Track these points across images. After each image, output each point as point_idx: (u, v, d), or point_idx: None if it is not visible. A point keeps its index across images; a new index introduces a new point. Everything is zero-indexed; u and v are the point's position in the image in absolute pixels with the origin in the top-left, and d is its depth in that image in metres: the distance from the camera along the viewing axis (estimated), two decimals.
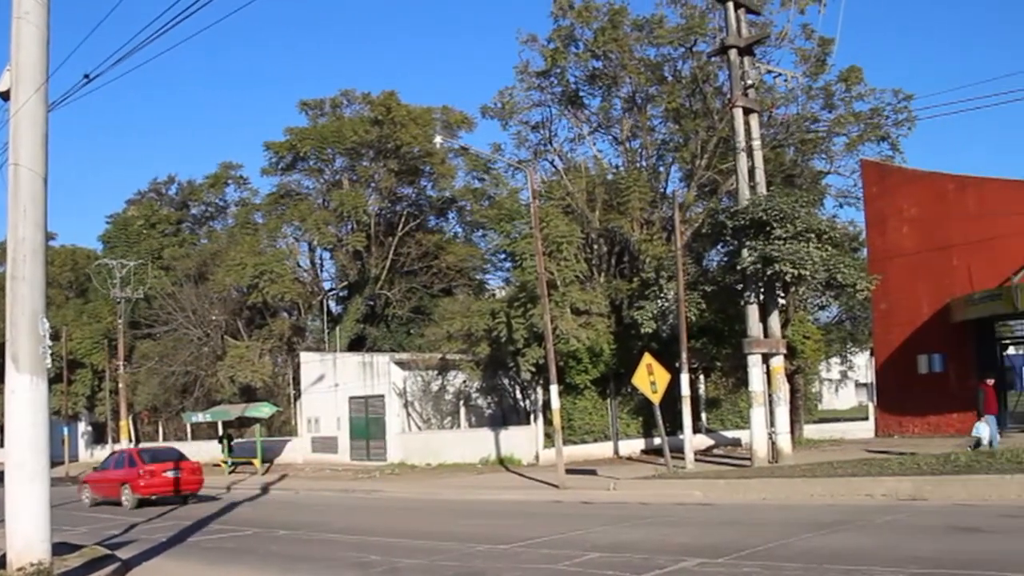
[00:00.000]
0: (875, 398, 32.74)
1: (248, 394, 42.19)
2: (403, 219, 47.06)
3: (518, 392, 33.85)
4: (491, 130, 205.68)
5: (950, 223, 30.22)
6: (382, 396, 35.76)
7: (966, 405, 29.62)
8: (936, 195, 30.99)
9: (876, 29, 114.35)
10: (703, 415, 33.12)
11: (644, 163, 35.64)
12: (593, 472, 24.91)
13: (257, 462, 35.71)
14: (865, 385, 41.57)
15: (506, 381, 33.99)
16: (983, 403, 23.06)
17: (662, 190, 35.19)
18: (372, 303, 48.41)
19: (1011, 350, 35.70)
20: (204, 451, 40.49)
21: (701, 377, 33.27)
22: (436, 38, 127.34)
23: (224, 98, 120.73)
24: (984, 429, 22.81)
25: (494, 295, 39.91)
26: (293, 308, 47.25)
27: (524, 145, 36.69)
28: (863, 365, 44.58)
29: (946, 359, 30.30)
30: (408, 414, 35.90)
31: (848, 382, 57.00)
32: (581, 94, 35.75)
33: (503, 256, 36.41)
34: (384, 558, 13.01)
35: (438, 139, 35.96)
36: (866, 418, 33.15)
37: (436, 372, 35.77)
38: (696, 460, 24.80)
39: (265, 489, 28.54)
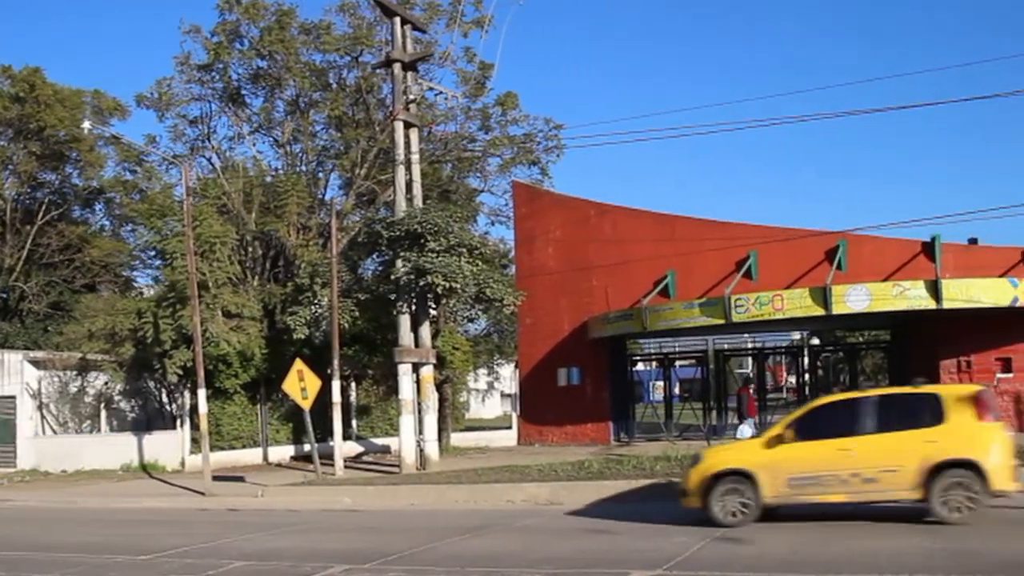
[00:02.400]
0: (519, 408, 34.27)
1: None
2: (44, 207, 43.64)
3: (164, 396, 32.46)
4: (146, 120, 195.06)
5: (590, 246, 32.26)
6: (13, 397, 32.96)
7: (600, 415, 31.80)
8: (579, 219, 32.99)
9: (533, 60, 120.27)
10: (354, 422, 33.24)
11: (304, 168, 35.40)
12: (241, 479, 24.40)
13: None
14: (510, 395, 43.46)
15: (152, 384, 32.47)
16: (745, 407, 25.08)
17: (321, 196, 35.11)
18: (5, 296, 44.55)
19: (640, 366, 38.66)
20: None
21: (353, 384, 33.37)
22: (91, 17, 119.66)
23: None
24: (747, 432, 24.87)
25: (141, 294, 38.06)
26: None
27: (181, 139, 35.35)
28: (509, 376, 46.56)
29: (583, 373, 32.26)
30: (43, 417, 33.37)
31: (494, 392, 59.17)
32: (243, 92, 34.94)
33: (152, 253, 34.87)
34: (9, 574, 12.10)
35: (87, 124, 33.91)
36: (510, 427, 34.62)
37: (75, 373, 33.51)
38: (346, 467, 24.88)
39: None
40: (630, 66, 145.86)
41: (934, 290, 25.39)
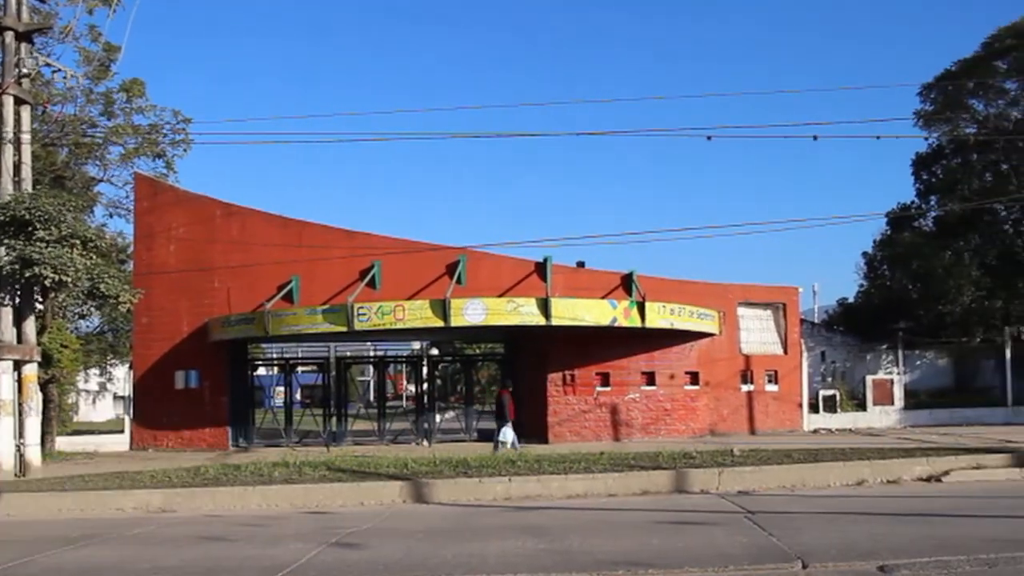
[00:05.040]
0: (132, 411, 32.65)
1: None
2: None
3: None
4: None
5: (214, 246, 31.47)
6: None
7: (218, 420, 31.09)
8: (204, 218, 32.07)
9: (163, 48, 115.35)
10: None
11: None
12: None
13: None
14: (124, 398, 41.36)
15: None
16: (506, 410, 24.96)
17: None
18: None
19: (262, 371, 38.16)
20: None
21: None
22: None
23: None
24: (508, 433, 24.72)
25: None
26: None
27: None
28: (123, 378, 44.27)
29: (202, 376, 31.39)
30: None
31: (107, 394, 56.05)
32: None
33: None
34: None
35: None
36: (123, 431, 32.87)
37: None
38: None
39: None
40: (270, 66, 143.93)
41: (544, 307, 27.10)
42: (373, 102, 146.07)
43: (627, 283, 30.65)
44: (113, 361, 45.16)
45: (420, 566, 10.48)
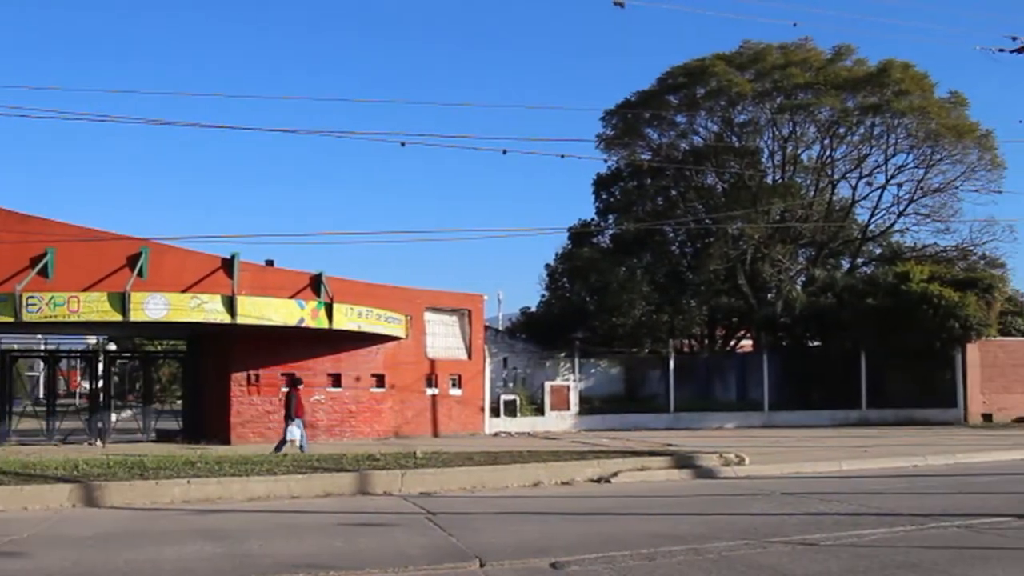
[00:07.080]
0: None
1: None
2: None
3: None
4: None
5: None
6: None
7: None
8: None
9: None
10: None
11: None
12: None
13: None
14: None
15: None
16: (293, 407, 23.93)
17: None
18: None
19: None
20: None
21: None
22: None
23: None
24: (296, 432, 23.89)
25: None
26: None
27: None
28: None
29: None
30: None
31: None
32: None
33: None
34: None
35: None
36: None
37: None
38: None
39: None
40: None
41: (230, 305, 26.63)
42: (53, 76, 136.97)
43: (316, 284, 30.52)
44: None
45: (91, 573, 10.11)
